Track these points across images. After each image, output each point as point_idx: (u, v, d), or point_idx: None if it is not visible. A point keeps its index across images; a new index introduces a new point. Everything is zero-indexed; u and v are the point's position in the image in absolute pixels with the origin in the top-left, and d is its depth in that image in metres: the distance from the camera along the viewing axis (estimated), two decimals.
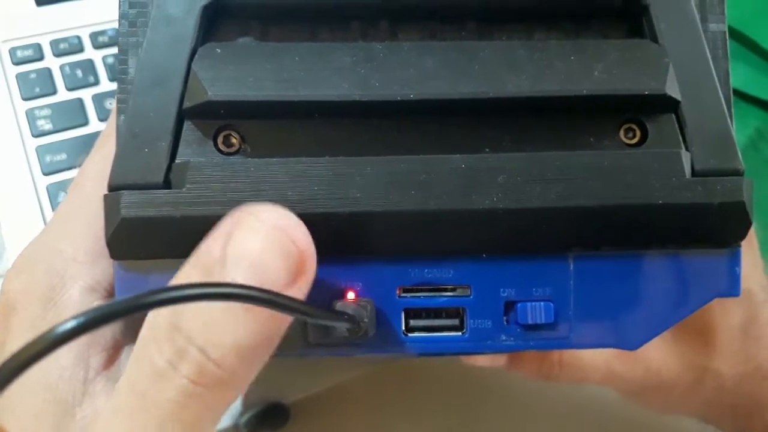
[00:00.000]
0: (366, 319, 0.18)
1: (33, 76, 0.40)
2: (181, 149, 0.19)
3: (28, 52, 0.40)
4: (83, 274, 0.20)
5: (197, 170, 0.18)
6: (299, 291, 0.16)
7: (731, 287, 0.19)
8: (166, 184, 0.18)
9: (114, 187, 0.18)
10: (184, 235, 0.18)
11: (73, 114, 0.40)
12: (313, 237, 0.18)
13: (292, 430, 0.36)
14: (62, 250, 0.20)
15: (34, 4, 0.41)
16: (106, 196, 0.18)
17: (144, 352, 0.16)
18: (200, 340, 0.15)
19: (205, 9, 0.19)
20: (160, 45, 0.19)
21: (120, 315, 0.14)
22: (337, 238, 0.18)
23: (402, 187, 0.18)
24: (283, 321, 0.16)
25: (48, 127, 0.39)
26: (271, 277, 0.15)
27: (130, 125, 0.18)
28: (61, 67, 0.40)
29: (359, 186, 0.18)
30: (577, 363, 0.27)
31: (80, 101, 0.40)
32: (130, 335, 0.20)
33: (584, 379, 0.28)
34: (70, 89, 0.40)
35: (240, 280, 0.15)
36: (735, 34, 0.47)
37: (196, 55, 0.19)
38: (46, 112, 0.39)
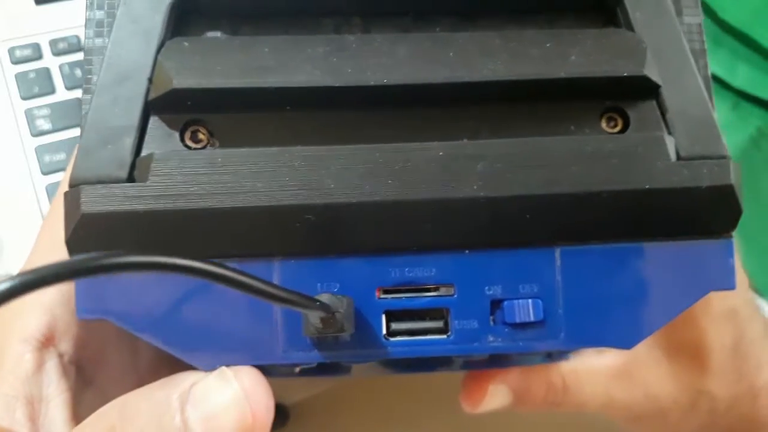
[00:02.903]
0: (341, 310, 0.17)
1: (32, 75, 0.40)
2: (146, 145, 0.18)
3: (27, 52, 0.40)
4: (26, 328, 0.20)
5: (162, 162, 0.17)
6: None
7: (726, 280, 0.18)
8: (131, 180, 0.17)
9: (75, 184, 0.17)
10: (149, 232, 0.17)
11: (72, 113, 0.39)
12: (285, 232, 0.17)
13: (292, 430, 0.35)
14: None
15: (33, 2, 0.41)
16: (66, 193, 0.17)
17: None
18: None
19: (173, 6, 0.18)
20: (126, 42, 0.18)
21: (62, 278, 0.13)
22: (310, 233, 0.17)
23: (378, 177, 0.17)
24: None
25: (47, 126, 0.39)
26: None
27: (93, 122, 0.18)
28: (60, 67, 0.40)
29: (333, 176, 0.17)
30: (578, 386, 0.27)
31: (79, 101, 0.39)
32: (56, 390, 0.20)
33: (585, 405, 0.27)
34: (69, 88, 0.40)
35: (191, 421, 0.16)
36: (736, 34, 0.47)
37: (163, 48, 0.18)
38: (45, 111, 0.39)
